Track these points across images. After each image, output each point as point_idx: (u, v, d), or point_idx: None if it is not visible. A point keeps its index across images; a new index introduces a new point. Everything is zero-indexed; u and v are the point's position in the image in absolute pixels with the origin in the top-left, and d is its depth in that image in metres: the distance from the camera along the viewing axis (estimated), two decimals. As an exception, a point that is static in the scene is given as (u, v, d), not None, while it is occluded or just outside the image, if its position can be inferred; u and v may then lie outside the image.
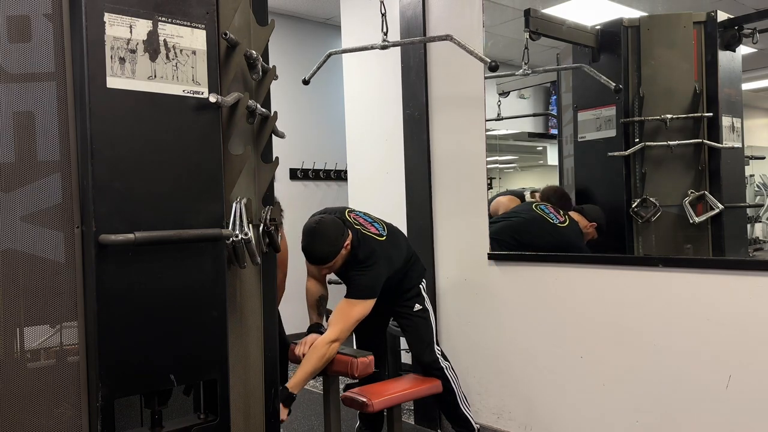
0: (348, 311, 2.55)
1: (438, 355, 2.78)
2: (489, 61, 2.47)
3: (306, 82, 3.23)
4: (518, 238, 3.09)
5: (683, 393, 2.37)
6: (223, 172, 1.90)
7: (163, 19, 1.76)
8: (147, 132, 1.73)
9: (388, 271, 2.67)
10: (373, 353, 2.61)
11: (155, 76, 1.74)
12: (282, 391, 2.36)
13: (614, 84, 2.89)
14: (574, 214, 3.04)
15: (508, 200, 3.34)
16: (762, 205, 3.18)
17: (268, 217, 2.14)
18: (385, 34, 2.95)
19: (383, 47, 2.93)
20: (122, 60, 1.68)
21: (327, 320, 2.81)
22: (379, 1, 3.02)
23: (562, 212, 3.06)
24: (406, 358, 3.77)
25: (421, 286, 2.86)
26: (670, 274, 2.41)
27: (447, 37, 2.75)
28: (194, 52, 1.82)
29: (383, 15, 2.96)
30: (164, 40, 1.76)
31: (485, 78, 3.08)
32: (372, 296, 2.59)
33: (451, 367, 2.80)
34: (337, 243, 2.54)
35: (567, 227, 3.03)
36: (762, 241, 3.15)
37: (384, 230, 2.73)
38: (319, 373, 2.50)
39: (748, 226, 3.07)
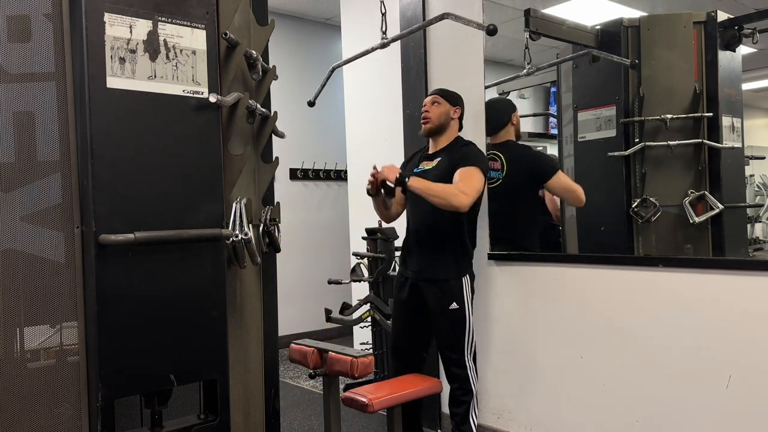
0: (470, 174, 2.54)
1: (466, 356, 2.67)
2: (486, 25, 2.46)
3: (311, 104, 3.20)
4: None
5: (683, 393, 2.37)
6: (223, 172, 1.91)
7: (163, 19, 1.76)
8: (147, 132, 1.73)
9: (486, 165, 2.68)
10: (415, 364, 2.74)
11: (155, 76, 1.75)
12: (402, 175, 2.53)
13: (629, 60, 2.88)
14: None
15: None
16: (762, 205, 3.18)
17: (268, 217, 2.15)
18: (384, 32, 2.95)
19: (383, 46, 2.93)
20: (122, 60, 1.68)
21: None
22: (379, 1, 3.02)
23: None
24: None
25: (464, 279, 2.67)
26: (670, 274, 2.41)
27: (445, 16, 2.72)
28: (194, 52, 1.82)
29: (383, 15, 2.96)
30: (164, 40, 1.76)
31: (485, 81, 3.08)
32: (484, 168, 2.61)
33: (475, 368, 2.71)
34: (459, 98, 2.78)
35: None
36: (762, 241, 3.15)
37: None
38: (320, 373, 2.50)
39: (748, 226, 3.07)
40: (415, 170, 2.78)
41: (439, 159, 2.71)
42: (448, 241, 2.69)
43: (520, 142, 3.17)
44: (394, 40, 2.94)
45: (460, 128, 2.82)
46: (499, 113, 3.09)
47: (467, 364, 2.70)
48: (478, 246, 2.98)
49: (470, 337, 2.72)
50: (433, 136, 2.75)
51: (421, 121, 2.76)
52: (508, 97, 3.35)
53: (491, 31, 2.42)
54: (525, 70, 2.98)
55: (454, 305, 2.65)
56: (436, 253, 2.69)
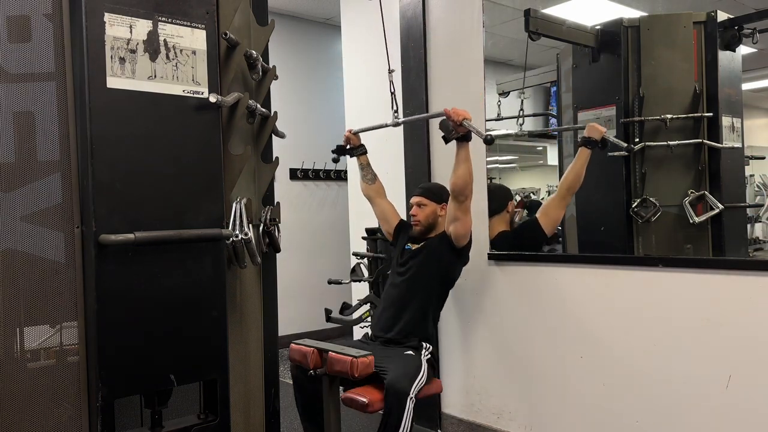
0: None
1: (411, 393, 2.36)
2: (484, 134, 2.43)
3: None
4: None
5: (683, 393, 2.37)
6: (223, 172, 1.91)
7: (163, 19, 1.76)
8: (147, 132, 1.73)
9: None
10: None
11: (155, 76, 1.75)
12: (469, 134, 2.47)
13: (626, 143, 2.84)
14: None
15: None
16: (762, 205, 3.18)
17: (268, 217, 2.15)
18: (391, 71, 2.98)
19: (395, 125, 2.99)
20: (122, 60, 1.68)
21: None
22: (378, 1, 3.02)
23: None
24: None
25: (423, 348, 2.59)
26: (670, 274, 2.41)
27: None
28: (194, 52, 1.82)
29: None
30: (164, 40, 1.76)
31: (485, 81, 3.08)
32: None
33: (412, 409, 2.38)
34: (443, 192, 2.79)
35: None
36: (762, 241, 3.15)
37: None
38: (320, 373, 2.49)
39: (748, 226, 3.07)
40: (405, 247, 2.83)
41: (424, 243, 2.77)
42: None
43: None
44: (405, 121, 3.03)
45: None
46: (495, 198, 3.07)
47: (407, 403, 2.39)
48: (478, 246, 2.98)
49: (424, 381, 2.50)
50: (425, 234, 2.79)
51: (412, 223, 2.83)
52: (504, 184, 3.32)
53: (488, 141, 2.40)
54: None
55: (409, 352, 2.57)
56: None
